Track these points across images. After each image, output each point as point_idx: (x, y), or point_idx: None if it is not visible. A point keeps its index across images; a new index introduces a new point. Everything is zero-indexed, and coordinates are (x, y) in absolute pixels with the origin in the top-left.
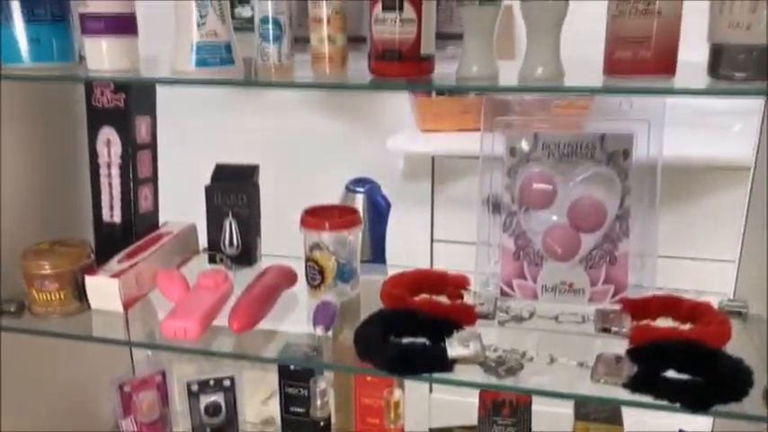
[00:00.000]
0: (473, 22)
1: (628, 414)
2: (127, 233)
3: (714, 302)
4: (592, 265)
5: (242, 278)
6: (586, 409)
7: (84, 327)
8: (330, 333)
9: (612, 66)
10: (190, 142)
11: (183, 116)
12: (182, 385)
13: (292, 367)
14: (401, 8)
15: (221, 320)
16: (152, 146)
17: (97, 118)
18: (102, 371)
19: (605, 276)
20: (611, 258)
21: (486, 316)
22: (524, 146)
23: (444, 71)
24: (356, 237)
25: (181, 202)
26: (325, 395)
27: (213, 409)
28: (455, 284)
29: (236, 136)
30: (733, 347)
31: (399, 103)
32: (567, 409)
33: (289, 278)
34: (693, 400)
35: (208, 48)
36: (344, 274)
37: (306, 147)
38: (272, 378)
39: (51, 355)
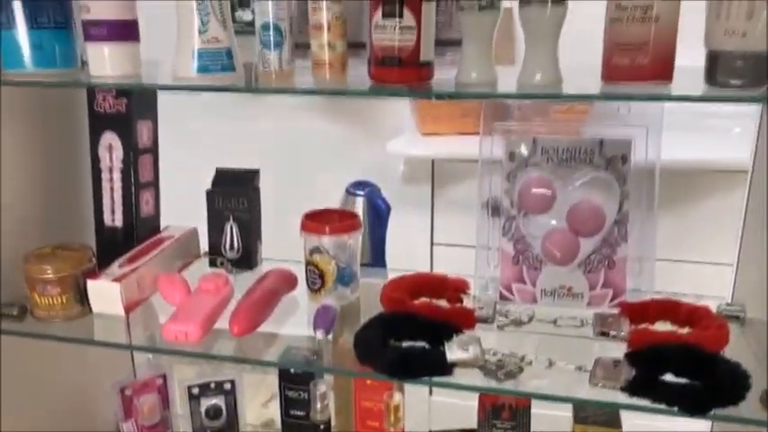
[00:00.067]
0: (472, 29)
1: (626, 417)
2: (128, 237)
3: (712, 306)
4: (590, 270)
5: (243, 282)
6: (585, 412)
7: (86, 330)
8: (330, 337)
9: (610, 72)
10: (191, 147)
11: (185, 121)
12: (182, 388)
13: (292, 370)
14: (401, 15)
15: (222, 323)
16: (153, 150)
17: (99, 123)
18: (104, 374)
19: (604, 280)
20: (609, 262)
21: (485, 320)
22: (523, 150)
23: (444, 76)
24: (356, 241)
25: (182, 206)
26: (326, 398)
27: (214, 413)
28: (455, 288)
29: (237, 140)
30: (731, 351)
31: (399, 107)
32: (566, 412)
33: (289, 282)
34: (691, 403)
35: (209, 54)
36: (344, 278)
37: (306, 151)
38: (272, 381)
39: (53, 358)
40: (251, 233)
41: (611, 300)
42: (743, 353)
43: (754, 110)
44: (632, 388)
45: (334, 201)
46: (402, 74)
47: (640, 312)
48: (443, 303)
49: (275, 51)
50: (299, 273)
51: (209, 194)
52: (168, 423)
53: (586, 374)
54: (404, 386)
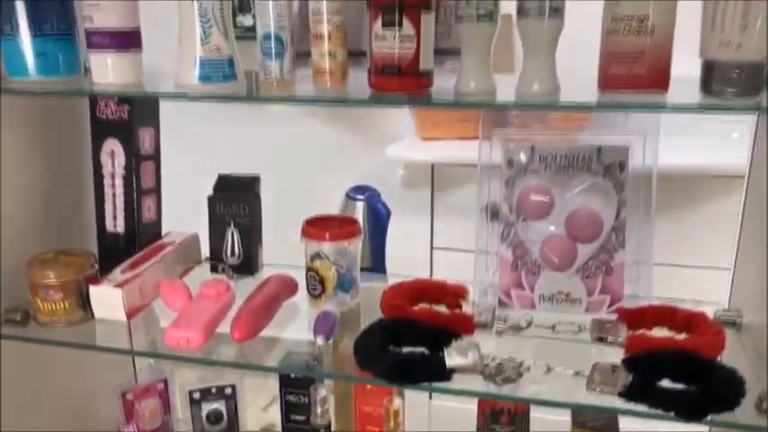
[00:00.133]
0: (470, 39)
1: (624, 422)
2: (130, 243)
3: (710, 312)
4: (588, 275)
5: (243, 287)
6: (583, 417)
7: (88, 336)
8: (330, 342)
9: (607, 81)
10: (192, 153)
11: (186, 127)
12: (184, 393)
13: (293, 375)
14: (400, 25)
15: (223, 328)
16: (155, 157)
17: (101, 129)
18: (105, 378)
19: (601, 286)
20: (607, 268)
21: (484, 325)
22: (522, 158)
23: (443, 85)
24: (356, 247)
25: (183, 212)
26: (326, 403)
27: (215, 417)
28: (454, 294)
29: (238, 147)
30: (727, 357)
31: (399, 113)
32: (565, 416)
33: (290, 288)
34: (687, 409)
35: (211, 63)
36: (345, 284)
37: (307, 156)
38: (272, 384)
39: (55, 362)
40: (252, 239)
41: (609, 305)
42: (739, 359)
43: (750, 116)
44: (629, 393)
45: (334, 206)
46: (402, 83)
47: (638, 318)
48: (443, 309)
49: (276, 61)
50: (300, 278)
51: (211, 200)
52: (169, 427)
53: (584, 380)
54: (404, 391)
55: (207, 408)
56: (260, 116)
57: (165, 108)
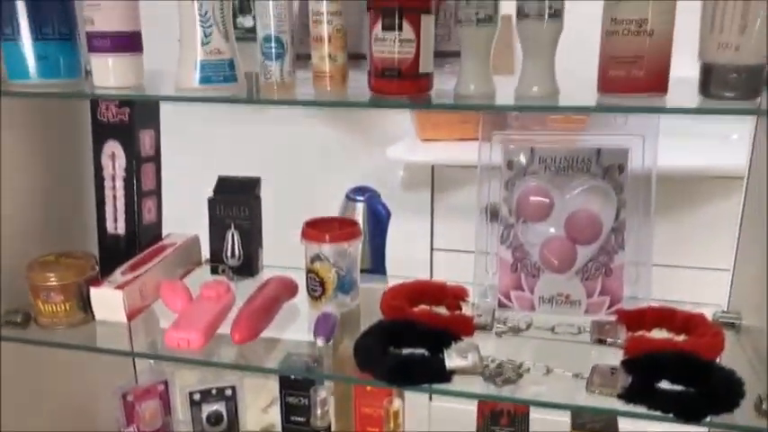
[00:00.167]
0: (470, 42)
1: (623, 423)
2: (131, 245)
3: (709, 314)
4: (588, 277)
5: (244, 289)
6: (582, 418)
7: (89, 337)
8: (330, 344)
9: (606, 84)
10: (193, 155)
11: (187, 129)
12: (184, 394)
13: (293, 377)
14: (400, 28)
15: (223, 329)
16: (156, 159)
17: (102, 132)
18: (106, 380)
19: (601, 288)
20: (606, 270)
21: (484, 327)
22: (522, 159)
23: (443, 87)
24: (356, 248)
25: (184, 213)
26: (326, 404)
27: (215, 419)
28: (454, 296)
29: (238, 148)
30: (726, 359)
31: (399, 114)
32: (564, 418)
33: (290, 289)
34: (686, 410)
35: (212, 65)
36: (345, 286)
37: (307, 158)
38: (272, 385)
39: (56, 364)
40: (252, 241)
41: (609, 307)
42: (738, 360)
43: (750, 117)
44: (629, 395)
45: (334, 207)
46: (401, 85)
47: (637, 320)
48: (442, 311)
49: (277, 63)
50: (300, 280)
51: (211, 202)
52: (170, 429)
53: (584, 381)
54: (403, 392)
55: (207, 409)
56: (260, 117)
57: (166, 109)
